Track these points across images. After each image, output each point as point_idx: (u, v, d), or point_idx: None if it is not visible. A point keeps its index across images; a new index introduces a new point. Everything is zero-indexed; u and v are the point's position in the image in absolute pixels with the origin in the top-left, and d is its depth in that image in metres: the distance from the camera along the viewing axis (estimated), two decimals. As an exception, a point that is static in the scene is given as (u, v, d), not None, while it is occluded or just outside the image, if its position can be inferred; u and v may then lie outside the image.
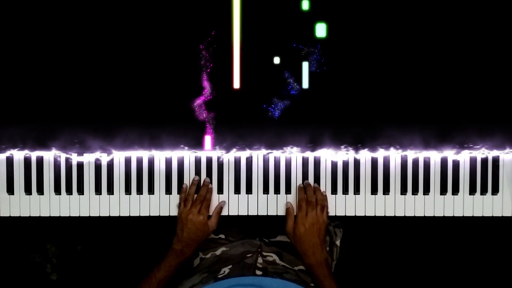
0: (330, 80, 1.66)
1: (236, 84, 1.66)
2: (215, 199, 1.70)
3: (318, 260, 1.62)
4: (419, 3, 1.65)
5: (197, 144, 1.68)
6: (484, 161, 1.69)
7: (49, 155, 1.68)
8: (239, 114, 1.68)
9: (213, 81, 1.66)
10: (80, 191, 1.68)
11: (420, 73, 1.67)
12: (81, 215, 1.70)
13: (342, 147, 1.69)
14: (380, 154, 1.69)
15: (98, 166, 1.68)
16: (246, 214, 1.70)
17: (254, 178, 1.70)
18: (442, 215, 1.71)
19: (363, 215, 1.71)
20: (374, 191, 1.70)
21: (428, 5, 1.65)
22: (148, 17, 1.65)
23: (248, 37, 1.65)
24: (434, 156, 1.69)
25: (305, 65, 1.66)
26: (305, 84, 1.67)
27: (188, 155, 1.69)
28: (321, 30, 1.65)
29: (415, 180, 1.69)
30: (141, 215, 1.70)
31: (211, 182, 1.69)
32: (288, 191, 1.70)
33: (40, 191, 1.69)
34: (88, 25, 1.65)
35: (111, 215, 1.70)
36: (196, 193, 1.67)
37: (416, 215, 1.71)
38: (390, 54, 1.67)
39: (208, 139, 1.68)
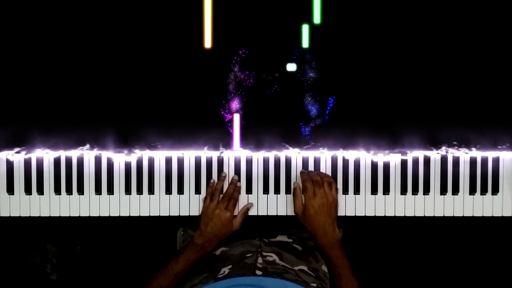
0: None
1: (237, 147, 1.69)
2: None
3: (330, 241, 1.59)
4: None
5: (197, 144, 1.68)
6: (484, 161, 1.69)
7: (49, 155, 1.68)
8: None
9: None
10: (80, 191, 1.68)
11: (419, 76, 1.68)
12: (81, 215, 1.70)
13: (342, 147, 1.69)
14: (380, 154, 1.69)
15: (98, 166, 1.68)
16: (246, 214, 1.70)
17: (254, 178, 1.70)
18: (442, 215, 1.71)
19: (363, 215, 1.71)
20: (374, 191, 1.70)
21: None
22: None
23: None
24: (434, 156, 1.69)
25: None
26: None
27: (188, 155, 1.69)
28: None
29: (415, 180, 1.69)
30: (141, 215, 1.70)
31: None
32: (288, 191, 1.70)
33: (40, 191, 1.68)
34: (106, 28, 1.66)
35: (111, 215, 1.70)
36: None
37: (416, 215, 1.71)
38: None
39: (208, 139, 1.68)
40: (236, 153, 1.69)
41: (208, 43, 1.66)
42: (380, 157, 1.69)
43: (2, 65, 1.65)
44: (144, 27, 1.66)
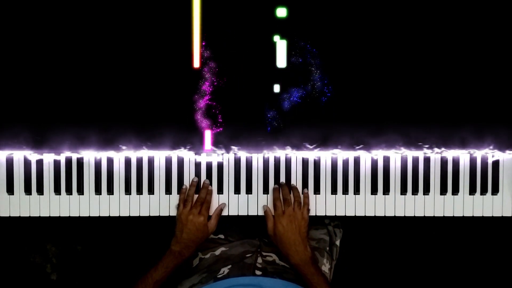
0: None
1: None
2: (215, 199, 1.70)
3: (302, 259, 1.59)
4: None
5: (197, 144, 1.68)
6: (484, 161, 1.69)
7: (48, 155, 1.68)
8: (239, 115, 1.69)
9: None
10: (80, 191, 1.68)
11: (419, 75, 1.68)
12: (81, 215, 1.70)
13: (342, 147, 1.69)
14: (380, 154, 1.69)
15: (98, 166, 1.68)
16: (246, 214, 1.70)
17: (254, 178, 1.70)
18: (442, 215, 1.71)
19: (363, 215, 1.71)
20: (374, 191, 1.70)
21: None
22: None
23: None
24: (434, 156, 1.69)
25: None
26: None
27: (188, 155, 1.69)
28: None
29: (415, 180, 1.69)
30: (141, 215, 1.70)
31: (211, 183, 1.69)
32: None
33: (40, 191, 1.68)
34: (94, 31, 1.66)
35: (111, 215, 1.70)
36: (196, 194, 1.67)
37: (416, 215, 1.71)
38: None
39: (208, 139, 1.68)
40: (236, 153, 1.69)
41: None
42: (380, 157, 1.69)
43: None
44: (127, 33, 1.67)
